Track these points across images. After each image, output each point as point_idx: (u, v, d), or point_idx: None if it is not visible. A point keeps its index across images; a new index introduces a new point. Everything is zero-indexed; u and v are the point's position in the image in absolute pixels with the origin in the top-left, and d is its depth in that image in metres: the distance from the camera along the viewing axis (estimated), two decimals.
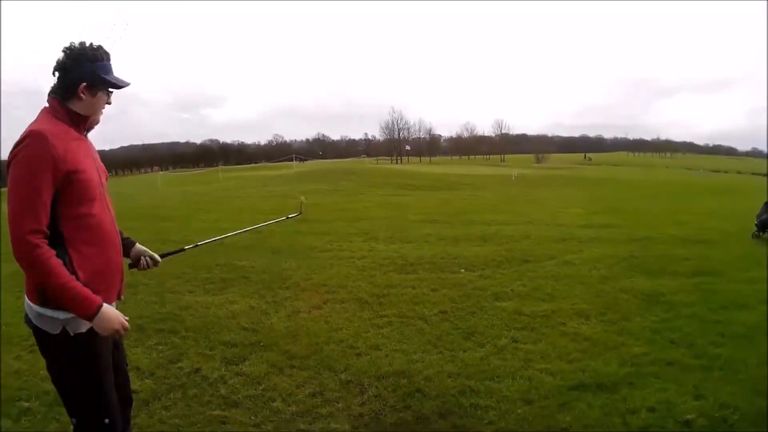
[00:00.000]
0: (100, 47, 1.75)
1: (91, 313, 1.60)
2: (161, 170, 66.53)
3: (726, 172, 54.68)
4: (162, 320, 4.29)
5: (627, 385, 3.11)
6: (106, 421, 1.74)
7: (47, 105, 1.74)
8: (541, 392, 3.02)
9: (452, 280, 5.55)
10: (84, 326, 1.67)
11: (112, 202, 1.89)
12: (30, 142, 1.57)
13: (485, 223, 10.15)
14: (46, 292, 1.62)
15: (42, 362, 1.79)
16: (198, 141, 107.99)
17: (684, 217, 11.68)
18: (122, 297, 1.88)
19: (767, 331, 3.90)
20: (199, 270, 6.09)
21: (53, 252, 1.57)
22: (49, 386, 2.52)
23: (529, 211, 12.67)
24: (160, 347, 3.70)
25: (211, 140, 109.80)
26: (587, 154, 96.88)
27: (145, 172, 67.29)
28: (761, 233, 8.44)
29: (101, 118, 1.83)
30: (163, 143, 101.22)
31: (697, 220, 11.02)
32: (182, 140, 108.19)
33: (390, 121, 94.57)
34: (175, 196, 20.86)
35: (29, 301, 1.68)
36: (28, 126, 1.64)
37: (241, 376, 3.19)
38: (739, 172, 50.29)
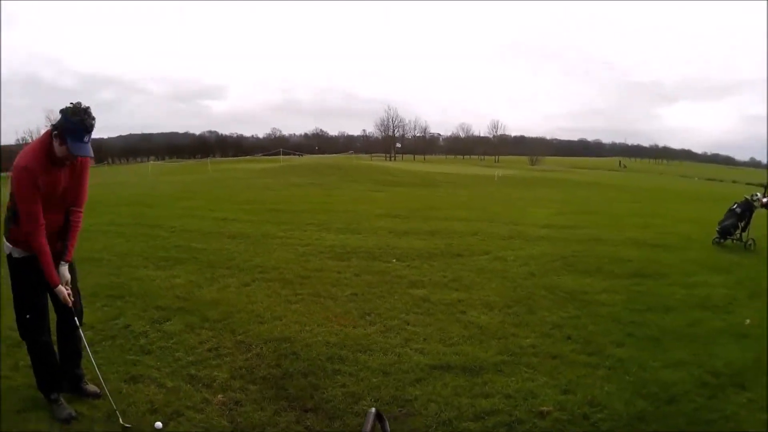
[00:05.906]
0: (87, 113, 2.41)
1: None
2: (157, 160, 66.96)
3: (722, 181, 54.71)
4: (113, 288, 5.04)
5: (495, 371, 3.23)
6: (28, 316, 2.69)
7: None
8: (402, 367, 3.29)
9: (378, 268, 6.08)
10: (20, 254, 2.61)
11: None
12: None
13: (442, 219, 10.54)
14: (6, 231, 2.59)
15: (6, 318, 2.85)
16: (197, 132, 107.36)
17: (653, 221, 11.51)
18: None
19: (686, 336, 3.89)
20: (158, 250, 6.85)
21: None
22: (13, 334, 3.18)
23: (495, 210, 12.85)
24: (106, 308, 4.46)
25: (210, 132, 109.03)
26: (621, 161, 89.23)
27: (142, 161, 67.52)
28: (722, 240, 8.12)
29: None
30: (162, 133, 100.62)
31: (665, 224, 10.84)
32: (181, 131, 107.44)
33: (385, 118, 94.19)
34: (163, 185, 21.40)
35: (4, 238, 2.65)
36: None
37: (160, 332, 3.94)
38: (734, 182, 50.17)
